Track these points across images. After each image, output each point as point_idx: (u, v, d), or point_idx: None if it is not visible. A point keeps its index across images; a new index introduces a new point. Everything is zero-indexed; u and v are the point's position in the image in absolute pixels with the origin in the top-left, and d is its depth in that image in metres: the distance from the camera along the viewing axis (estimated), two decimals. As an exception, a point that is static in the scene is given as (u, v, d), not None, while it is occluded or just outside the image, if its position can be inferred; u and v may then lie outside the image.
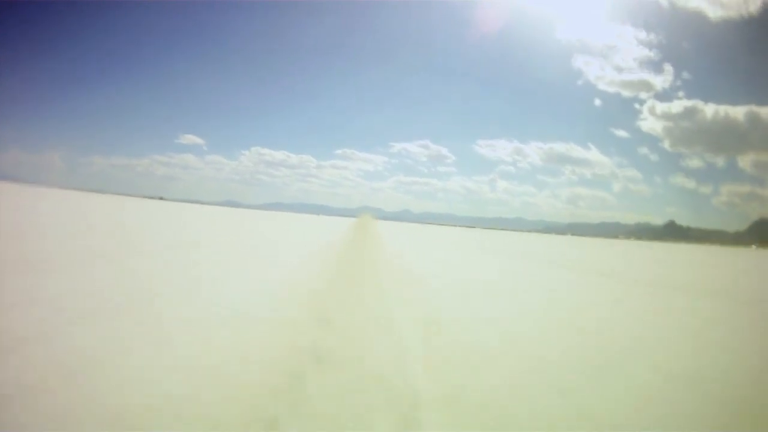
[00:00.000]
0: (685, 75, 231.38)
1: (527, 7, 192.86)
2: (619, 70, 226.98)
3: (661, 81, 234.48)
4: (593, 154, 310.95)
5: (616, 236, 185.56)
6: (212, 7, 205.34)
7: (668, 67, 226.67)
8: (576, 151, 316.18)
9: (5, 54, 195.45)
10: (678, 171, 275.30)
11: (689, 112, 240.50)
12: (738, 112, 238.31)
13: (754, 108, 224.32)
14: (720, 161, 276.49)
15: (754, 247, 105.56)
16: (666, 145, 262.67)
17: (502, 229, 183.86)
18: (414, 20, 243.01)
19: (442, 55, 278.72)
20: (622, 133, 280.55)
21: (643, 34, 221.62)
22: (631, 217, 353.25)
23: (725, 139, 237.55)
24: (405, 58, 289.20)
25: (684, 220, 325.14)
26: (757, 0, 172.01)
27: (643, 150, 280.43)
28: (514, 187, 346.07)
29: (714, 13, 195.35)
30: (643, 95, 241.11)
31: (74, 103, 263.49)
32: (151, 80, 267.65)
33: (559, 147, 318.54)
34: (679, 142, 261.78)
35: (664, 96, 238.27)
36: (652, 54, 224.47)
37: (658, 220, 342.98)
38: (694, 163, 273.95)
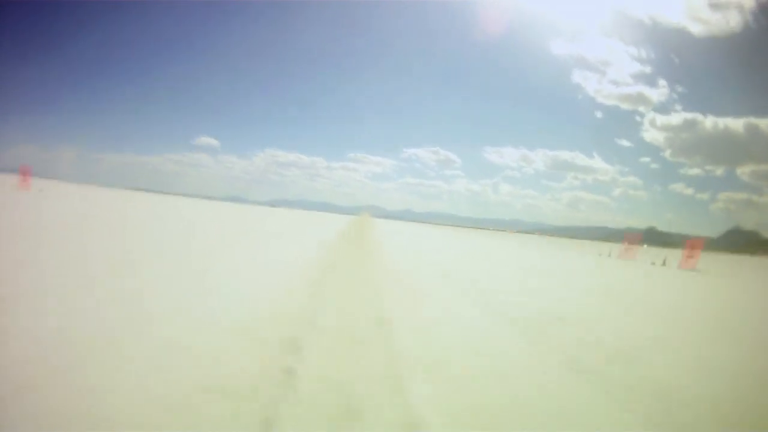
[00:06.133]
0: (680, 89, 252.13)
1: (531, 19, 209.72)
2: (616, 84, 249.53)
3: (656, 95, 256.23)
4: (597, 162, 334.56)
5: (607, 239, 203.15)
6: (232, 11, 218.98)
7: (663, 82, 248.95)
8: (580, 159, 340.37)
9: (23, 52, 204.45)
10: (678, 180, 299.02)
11: (689, 124, 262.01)
12: (736, 124, 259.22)
13: (752, 119, 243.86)
14: (719, 171, 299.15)
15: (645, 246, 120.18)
16: (667, 154, 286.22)
17: (494, 230, 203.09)
18: (432, 32, 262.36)
19: (456, 66, 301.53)
20: (625, 143, 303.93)
21: (634, 50, 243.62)
22: (621, 222, 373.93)
23: (724, 149, 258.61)
24: (422, 67, 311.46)
25: (675, 226, 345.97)
26: (737, 16, 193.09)
27: (645, 159, 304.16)
28: (517, 191, 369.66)
29: (696, 29, 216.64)
30: (641, 108, 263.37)
31: (92, 103, 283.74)
32: (171, 83, 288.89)
33: (565, 155, 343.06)
34: (679, 152, 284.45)
35: (662, 109, 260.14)
36: (645, 69, 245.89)
37: (648, 225, 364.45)
38: (694, 171, 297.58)
